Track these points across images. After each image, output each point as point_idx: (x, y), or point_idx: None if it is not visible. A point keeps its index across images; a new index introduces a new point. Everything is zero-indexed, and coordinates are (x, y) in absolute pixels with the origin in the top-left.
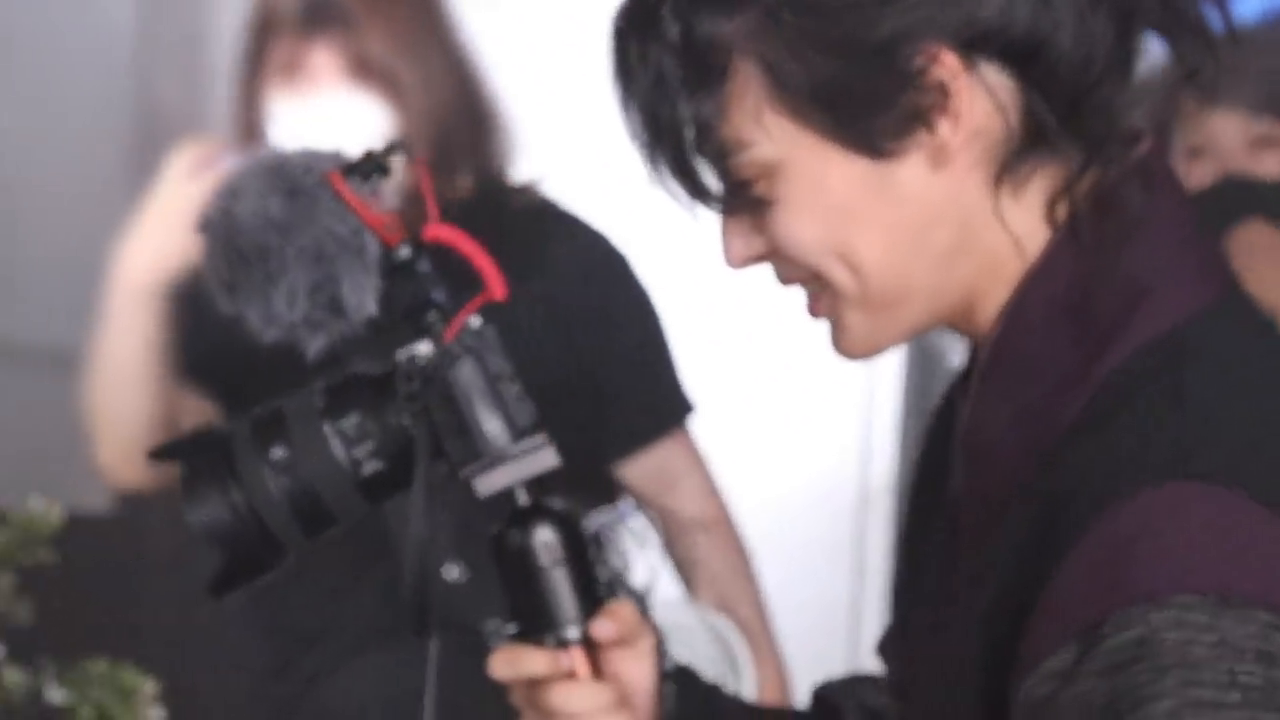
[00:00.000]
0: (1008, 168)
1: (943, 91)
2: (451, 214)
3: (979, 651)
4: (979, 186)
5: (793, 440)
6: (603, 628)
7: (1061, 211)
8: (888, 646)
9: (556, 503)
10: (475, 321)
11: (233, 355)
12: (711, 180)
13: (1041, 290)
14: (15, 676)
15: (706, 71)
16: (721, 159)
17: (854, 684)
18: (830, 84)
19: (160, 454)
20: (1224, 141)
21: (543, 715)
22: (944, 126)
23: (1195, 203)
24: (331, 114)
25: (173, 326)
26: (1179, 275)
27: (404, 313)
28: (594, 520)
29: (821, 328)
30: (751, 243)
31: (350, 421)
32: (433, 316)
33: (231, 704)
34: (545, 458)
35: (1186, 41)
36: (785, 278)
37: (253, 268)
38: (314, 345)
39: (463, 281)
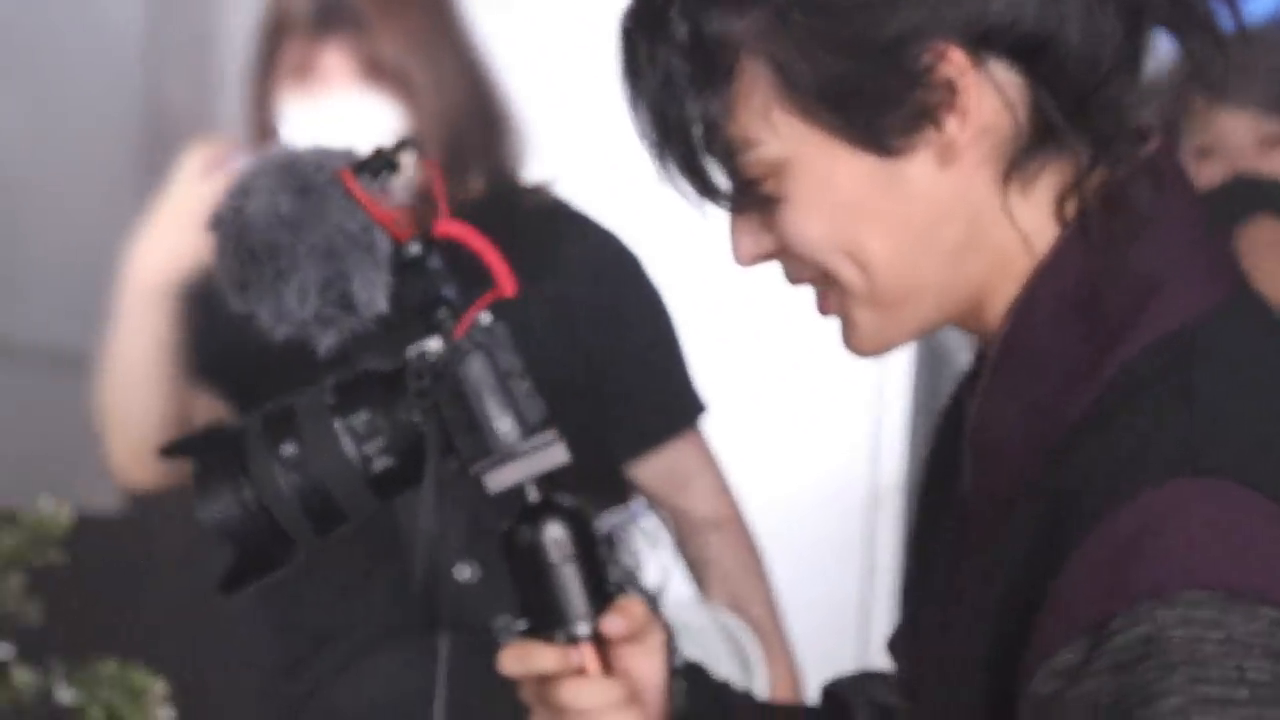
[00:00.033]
0: (1016, 165)
1: (950, 89)
2: (463, 214)
3: (986, 650)
4: (987, 184)
5: (802, 439)
6: (613, 624)
7: (1070, 209)
8: (897, 644)
9: (567, 499)
10: (485, 318)
11: (245, 355)
12: (720, 179)
13: (1050, 287)
14: (25, 677)
15: (714, 70)
16: (730, 158)
17: (864, 681)
18: (838, 82)
19: (172, 451)
20: (1233, 140)
21: (553, 712)
22: (952, 124)
23: (1205, 201)
24: (343, 115)
25: (185, 326)
26: (1188, 273)
27: (414, 309)
28: (606, 520)
29: (830, 326)
30: (760, 241)
31: (361, 418)
32: (443, 313)
33: (241, 704)
34: (556, 454)
35: (1196, 39)
36: (794, 276)
37: (264, 265)
38: (325, 342)
39: (473, 278)
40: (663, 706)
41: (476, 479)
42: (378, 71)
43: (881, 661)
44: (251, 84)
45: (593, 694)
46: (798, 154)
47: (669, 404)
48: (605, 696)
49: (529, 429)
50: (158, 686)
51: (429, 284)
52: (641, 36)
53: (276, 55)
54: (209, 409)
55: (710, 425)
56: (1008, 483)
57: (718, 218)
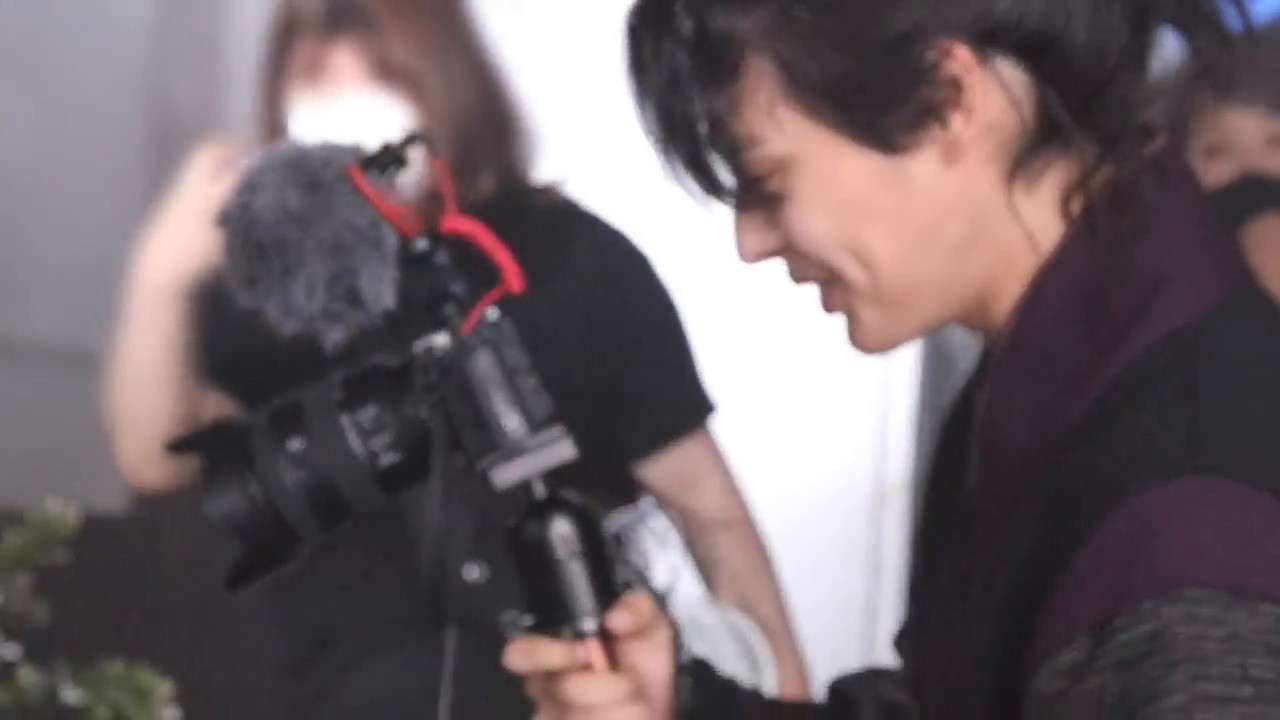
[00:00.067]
0: (1021, 162)
1: (956, 86)
2: (473, 214)
3: (990, 648)
4: (992, 181)
5: (808, 437)
6: (619, 620)
7: (1076, 206)
8: (903, 641)
9: (573, 495)
10: (493, 313)
11: (254, 354)
12: (725, 175)
13: (1056, 285)
14: (31, 677)
15: (719, 67)
16: (734, 154)
17: (870, 677)
18: (844, 79)
19: (179, 446)
20: (1242, 139)
21: (559, 707)
22: (957, 121)
23: (1213, 200)
24: (354, 116)
25: (194, 326)
26: (1193, 271)
27: (422, 305)
28: (616, 520)
29: (836, 325)
30: (765, 238)
31: (368, 413)
32: (450, 308)
33: (248, 703)
34: (562, 450)
35: (1203, 37)
36: (798, 274)
37: (271, 261)
38: (332, 337)
39: (481, 275)
40: (669, 702)
41: (484, 478)
42: (388, 72)
43: (887, 659)
44: (262, 84)
45: (599, 689)
46: (802, 151)
47: (679, 404)
48: (611, 692)
49: (536, 425)
50: (164, 686)
51: (436, 280)
52: (647, 33)
53: (287, 55)
54: (218, 408)
55: (717, 424)
56: (1012, 480)
57: (725, 218)
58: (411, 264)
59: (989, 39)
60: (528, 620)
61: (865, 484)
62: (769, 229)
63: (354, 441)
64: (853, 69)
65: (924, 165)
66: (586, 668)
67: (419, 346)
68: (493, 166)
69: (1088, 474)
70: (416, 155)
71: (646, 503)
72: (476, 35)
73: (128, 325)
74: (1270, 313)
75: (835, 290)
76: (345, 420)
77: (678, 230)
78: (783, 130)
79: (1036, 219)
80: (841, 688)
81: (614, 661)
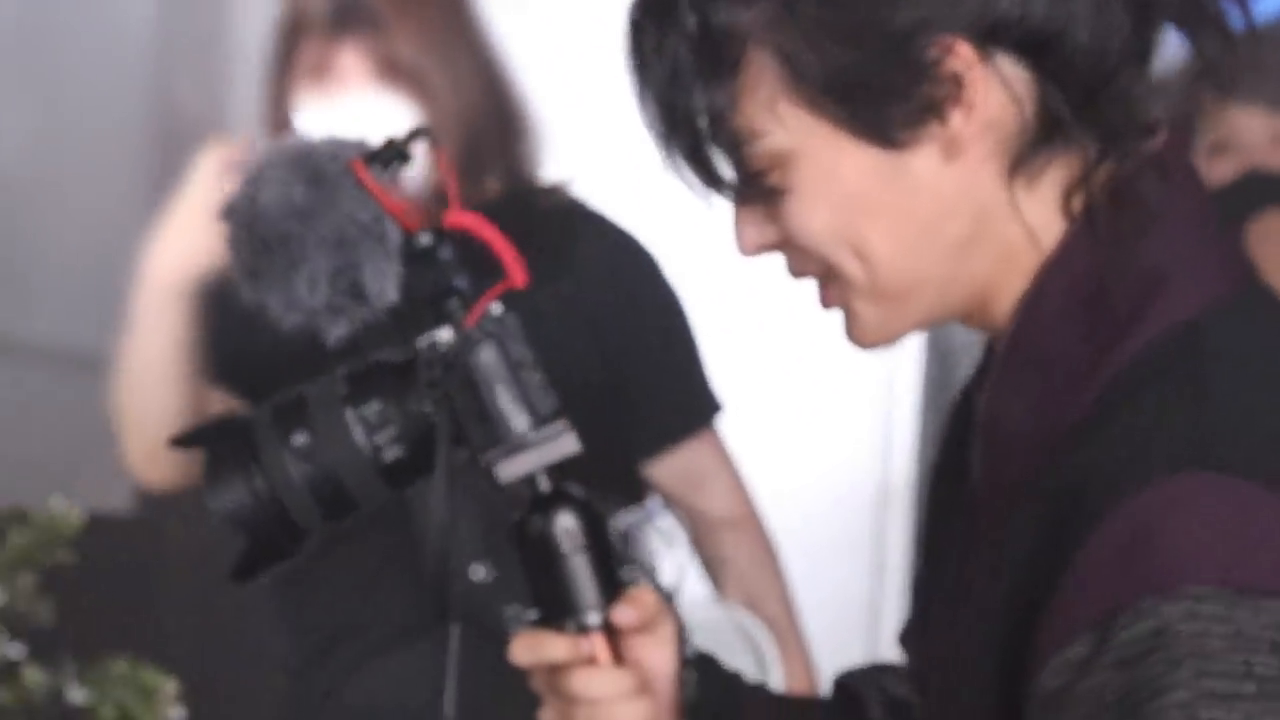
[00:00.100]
0: (1022, 159)
1: (957, 83)
2: (479, 214)
3: (993, 645)
4: (993, 178)
5: (812, 436)
6: (624, 613)
7: (1077, 203)
8: (908, 637)
9: (578, 489)
10: (497, 308)
11: (260, 354)
12: (725, 169)
13: (1058, 282)
14: (37, 676)
15: (721, 61)
16: (735, 148)
17: (875, 672)
18: (845, 74)
19: (183, 441)
20: (1247, 137)
21: (564, 701)
22: (957, 118)
23: (1218, 197)
24: (360, 115)
25: (201, 325)
26: (1195, 267)
27: (425, 299)
28: (623, 519)
29: (839, 324)
30: (764, 231)
31: (372, 408)
32: (454, 303)
33: (253, 702)
34: (567, 444)
35: (1205, 36)
36: (796, 268)
37: (275, 254)
38: (335, 332)
39: (485, 270)
40: (674, 697)
41: (489, 473)
42: (394, 71)
43: (891, 657)
44: (268, 83)
45: (603, 683)
46: (803, 145)
47: (686, 404)
48: (616, 686)
49: (540, 419)
50: (169, 685)
51: (440, 274)
52: (650, 26)
53: (293, 55)
54: (224, 408)
55: (722, 423)
56: (1015, 477)
57: (729, 218)
58: (415, 259)
59: (991, 36)
60: (532, 614)
61: (869, 483)
62: (768, 223)
63: (358, 436)
64: (854, 64)
65: (924, 161)
66: (591, 661)
67: (423, 341)
68: (499, 166)
69: (1088, 473)
70: (421, 152)
71: (653, 502)
72: (482, 34)
73: (134, 325)
74: (1273, 309)
75: (833, 285)
76: (350, 415)
77: (684, 230)
78: (784, 124)
79: (1038, 216)
80: (847, 682)
81: (618, 655)
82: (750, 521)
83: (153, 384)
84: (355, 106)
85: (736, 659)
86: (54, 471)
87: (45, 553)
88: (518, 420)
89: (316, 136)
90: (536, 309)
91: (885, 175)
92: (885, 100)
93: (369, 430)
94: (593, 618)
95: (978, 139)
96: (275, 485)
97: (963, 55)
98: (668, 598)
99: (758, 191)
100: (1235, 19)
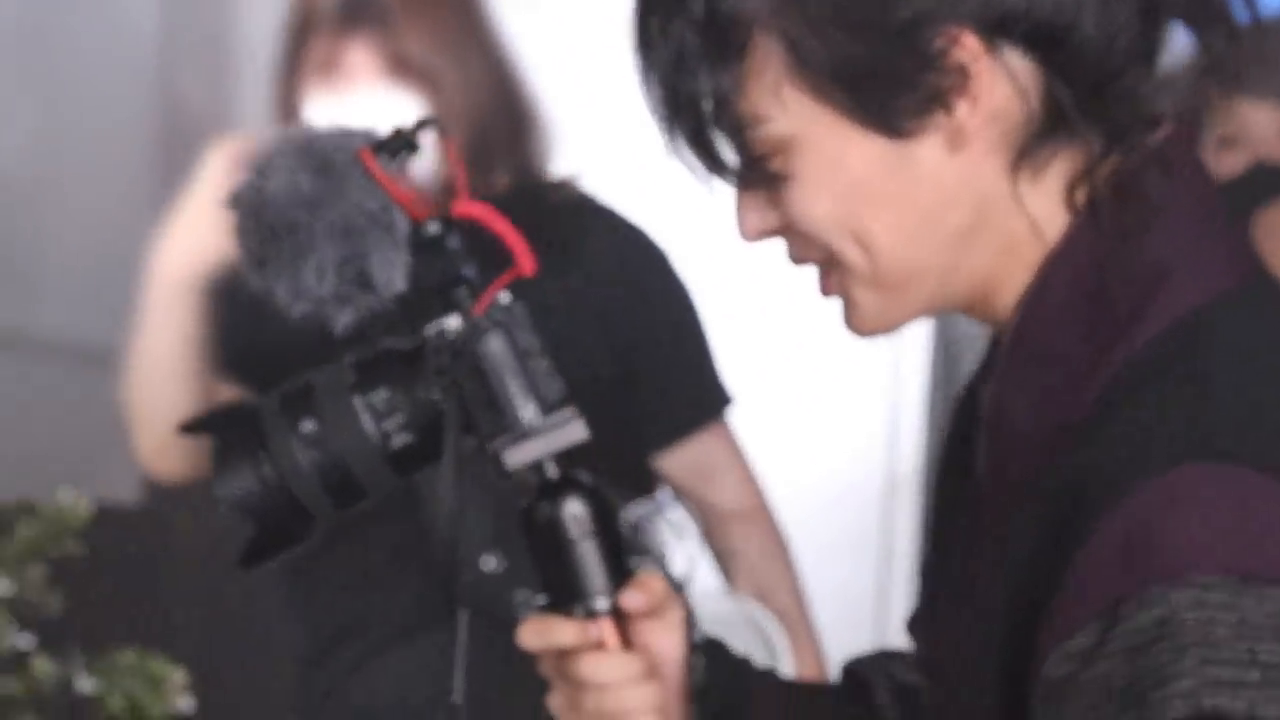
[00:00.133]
0: (1026, 152)
1: (963, 74)
2: None
3: (999, 635)
4: (997, 170)
5: (819, 427)
6: (632, 599)
7: (1081, 197)
8: (916, 625)
9: (586, 476)
10: (504, 297)
11: (269, 348)
12: (728, 154)
13: (1062, 275)
14: (46, 666)
15: (727, 46)
16: (739, 133)
17: (883, 659)
18: (850, 62)
19: (192, 428)
20: (1256, 131)
21: (572, 686)
22: (962, 108)
23: (1226, 190)
24: (369, 112)
25: (210, 320)
26: (1199, 261)
27: (433, 288)
28: (633, 512)
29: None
30: (766, 217)
31: (380, 395)
32: (462, 292)
33: (260, 693)
34: (574, 431)
35: (1211, 32)
36: (797, 255)
37: (282, 243)
38: (342, 320)
39: (493, 260)
40: (682, 682)
41: (497, 461)
42: (403, 68)
43: (899, 646)
44: (277, 80)
45: (611, 668)
46: (807, 132)
47: (696, 396)
48: (624, 671)
49: (548, 406)
50: (177, 675)
51: (448, 263)
52: (656, 10)
53: (302, 52)
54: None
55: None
56: (1021, 469)
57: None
58: (423, 248)
59: (998, 28)
60: (541, 600)
61: (876, 474)
62: (770, 209)
63: (366, 423)
64: (860, 52)
65: (928, 151)
66: (599, 646)
67: (431, 329)
68: (508, 162)
69: (1089, 471)
70: (429, 142)
71: (664, 494)
72: (492, 31)
73: (143, 320)
74: (1278, 301)
75: (834, 273)
76: (358, 402)
77: (692, 224)
78: (788, 110)
79: (1041, 209)
80: (855, 669)
81: (627, 640)
82: (761, 514)
83: (163, 378)
84: (364, 103)
85: (748, 651)
86: (62, 465)
87: (54, 544)
88: (525, 408)
89: (322, 127)
90: (546, 303)
91: (889, 164)
92: (891, 89)
93: (377, 417)
94: (601, 603)
95: (982, 130)
96: (283, 472)
97: (969, 46)
98: (678, 589)
99: (760, 177)
100: (1241, 13)
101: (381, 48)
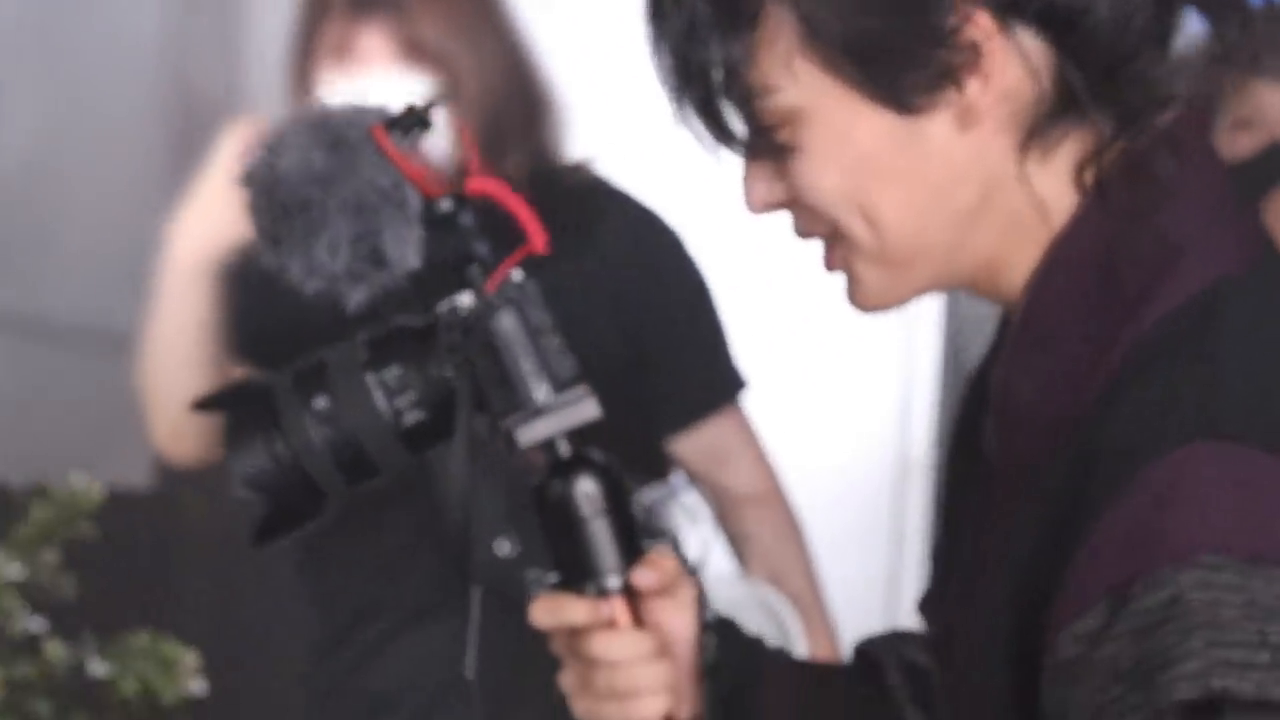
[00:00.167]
0: (1036, 132)
1: (975, 51)
2: None
3: (1009, 616)
4: (1005, 149)
5: (831, 411)
6: (644, 577)
7: (1089, 177)
8: (927, 605)
9: (597, 454)
10: (517, 274)
11: (284, 331)
12: (737, 124)
13: (1070, 256)
14: (59, 650)
15: (739, 15)
16: (748, 103)
17: (895, 640)
18: (863, 36)
19: (205, 405)
20: (1271, 112)
21: (583, 664)
22: (974, 86)
23: (1241, 171)
24: (383, 96)
25: (224, 304)
26: (1208, 242)
27: (446, 265)
28: (647, 495)
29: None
30: (773, 189)
31: (392, 372)
32: (475, 269)
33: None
34: (586, 409)
35: (1223, 17)
36: (803, 228)
37: (295, 220)
38: (355, 297)
39: (506, 238)
40: (693, 660)
41: (510, 442)
42: (417, 53)
43: (911, 628)
44: (291, 64)
45: (623, 646)
46: (816, 104)
47: (710, 380)
48: (635, 649)
49: (560, 384)
50: (189, 658)
51: (460, 241)
52: None
53: (316, 36)
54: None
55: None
56: (1031, 450)
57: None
58: (436, 225)
59: (1011, 8)
60: (552, 577)
61: (888, 457)
62: (777, 180)
63: (379, 400)
64: (872, 26)
65: (938, 128)
66: (610, 624)
67: (443, 306)
68: (523, 146)
69: (1099, 451)
70: (442, 120)
71: (678, 478)
72: (506, 15)
73: (158, 304)
74: None
75: (838, 247)
76: (370, 379)
77: (706, 208)
78: (798, 81)
79: (1049, 189)
80: (867, 649)
81: (638, 618)
82: (774, 497)
83: (177, 362)
84: (378, 87)
85: (761, 634)
86: (74, 449)
87: (66, 528)
88: (538, 385)
89: (337, 103)
90: (560, 286)
91: (898, 140)
92: (902, 65)
93: (389, 394)
94: (612, 581)
95: (993, 109)
96: (296, 449)
97: (982, 25)
98: (692, 573)
99: (768, 148)
100: None
101: (396, 32)
